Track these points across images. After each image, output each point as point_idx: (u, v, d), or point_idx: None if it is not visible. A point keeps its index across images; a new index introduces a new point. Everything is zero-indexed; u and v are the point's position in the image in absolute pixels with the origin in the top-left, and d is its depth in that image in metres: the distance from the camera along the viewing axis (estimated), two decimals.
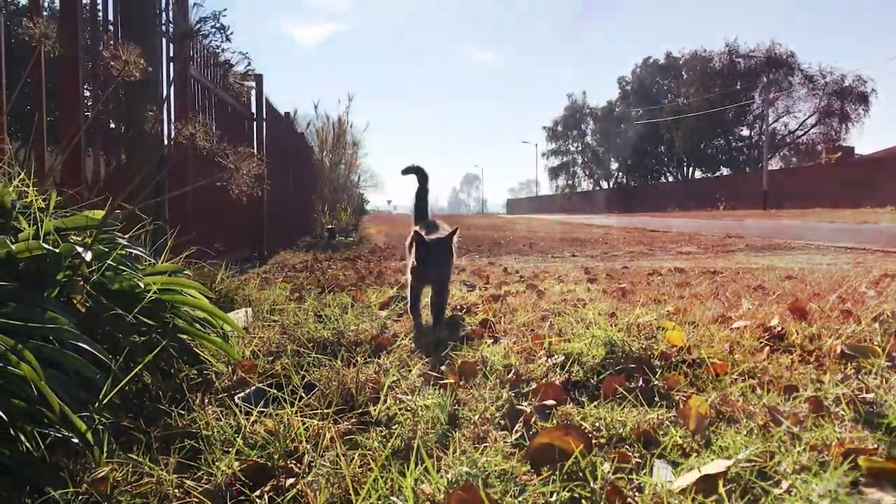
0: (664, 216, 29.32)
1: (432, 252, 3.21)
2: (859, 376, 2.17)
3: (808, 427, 1.75)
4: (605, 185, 71.35)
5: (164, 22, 4.50)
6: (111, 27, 4.26)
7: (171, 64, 4.93)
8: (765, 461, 1.54)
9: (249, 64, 3.31)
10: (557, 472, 1.47)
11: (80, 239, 2.14)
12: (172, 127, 4.56)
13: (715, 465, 1.46)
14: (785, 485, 1.43)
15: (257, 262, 7.52)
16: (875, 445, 1.62)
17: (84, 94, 4.04)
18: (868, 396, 1.95)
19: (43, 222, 2.03)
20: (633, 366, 2.27)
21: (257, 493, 1.47)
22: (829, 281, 4.66)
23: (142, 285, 2.20)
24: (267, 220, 8.75)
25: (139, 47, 2.48)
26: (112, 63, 2.44)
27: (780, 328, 2.80)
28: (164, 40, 4.63)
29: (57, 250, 1.96)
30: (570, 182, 73.80)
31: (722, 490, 1.35)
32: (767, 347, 2.57)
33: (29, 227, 2.02)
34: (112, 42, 3.67)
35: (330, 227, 15.00)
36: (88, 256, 2.02)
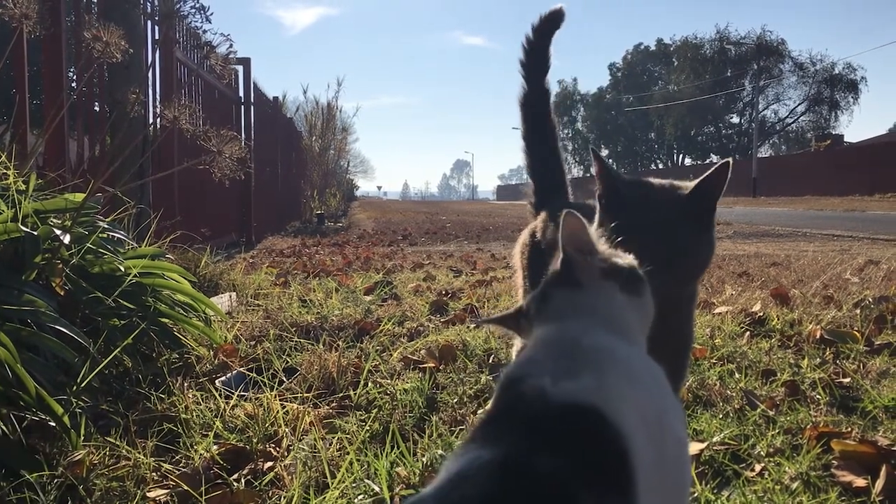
0: None
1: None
2: (837, 361, 2.19)
3: (784, 411, 1.77)
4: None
5: (146, 0, 4.45)
6: (94, 7, 4.21)
7: (157, 46, 4.88)
8: (739, 444, 1.55)
9: (231, 46, 3.27)
10: None
11: (59, 222, 2.13)
12: (159, 110, 4.52)
13: None
14: (758, 467, 1.44)
15: (244, 247, 7.49)
16: (849, 429, 1.64)
17: (69, 77, 3.99)
18: (845, 380, 1.97)
19: (21, 204, 2.01)
20: None
21: (235, 476, 1.47)
22: (814, 267, 4.69)
23: (122, 269, 2.18)
24: (255, 205, 8.70)
25: (121, 28, 2.45)
26: (93, 44, 2.41)
27: (761, 313, 2.82)
28: (148, 21, 4.58)
29: (35, 233, 1.94)
30: None
31: (693, 473, 1.36)
32: (748, 332, 2.58)
33: (7, 209, 2.00)
34: (95, 23, 3.63)
35: (319, 212, 14.96)
36: (67, 239, 2.01)
